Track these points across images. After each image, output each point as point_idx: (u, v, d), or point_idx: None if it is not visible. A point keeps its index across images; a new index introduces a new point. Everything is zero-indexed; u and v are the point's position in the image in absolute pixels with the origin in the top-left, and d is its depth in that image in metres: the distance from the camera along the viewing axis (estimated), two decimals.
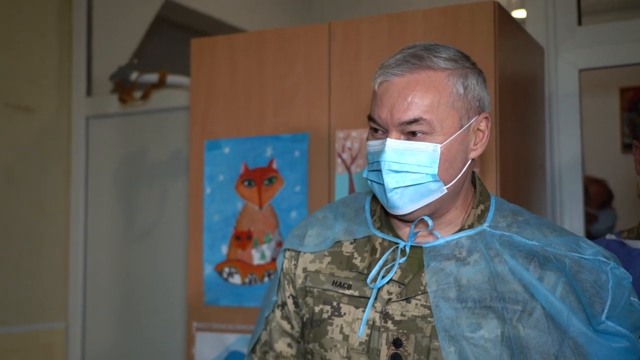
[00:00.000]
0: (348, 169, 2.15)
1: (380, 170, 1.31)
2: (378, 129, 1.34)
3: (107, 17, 3.38)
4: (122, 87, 2.97)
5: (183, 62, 2.61)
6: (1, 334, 2.99)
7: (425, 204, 1.32)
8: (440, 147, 1.29)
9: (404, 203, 1.31)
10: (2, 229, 3.01)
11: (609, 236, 1.81)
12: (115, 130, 3.29)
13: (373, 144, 1.35)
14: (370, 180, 1.36)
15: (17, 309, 3.05)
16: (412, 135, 1.29)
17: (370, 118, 1.35)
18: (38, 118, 3.18)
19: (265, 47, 2.31)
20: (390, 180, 1.30)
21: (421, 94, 1.29)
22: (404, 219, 1.37)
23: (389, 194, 1.31)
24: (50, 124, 3.24)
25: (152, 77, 2.94)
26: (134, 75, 2.95)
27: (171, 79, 2.93)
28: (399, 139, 1.30)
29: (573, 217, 2.48)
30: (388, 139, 1.30)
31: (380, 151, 1.31)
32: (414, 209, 1.32)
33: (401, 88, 1.30)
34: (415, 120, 1.28)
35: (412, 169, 1.29)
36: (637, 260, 1.66)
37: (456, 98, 1.31)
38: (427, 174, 1.29)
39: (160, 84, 2.94)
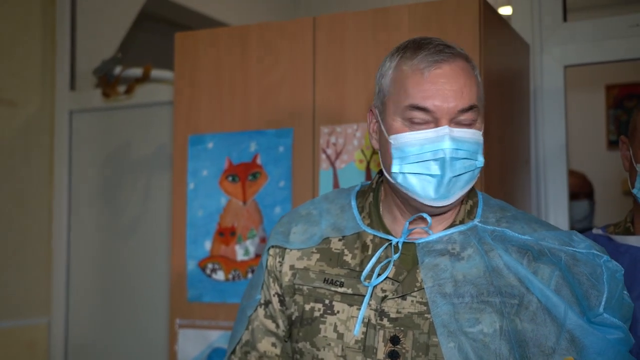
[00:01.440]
0: (332, 164, 2.14)
1: (438, 160, 1.26)
2: (419, 119, 1.28)
3: (91, 11, 3.36)
4: (106, 81, 2.95)
5: (167, 56, 2.58)
6: None
7: (465, 192, 1.32)
8: (482, 135, 1.31)
9: (453, 192, 1.29)
10: None
11: (595, 230, 1.82)
12: (99, 124, 3.26)
13: (419, 134, 1.28)
14: (407, 173, 1.29)
15: None
16: (460, 122, 1.28)
17: (417, 107, 1.28)
18: (21, 112, 3.15)
19: (250, 42, 2.29)
20: (452, 169, 1.27)
21: (469, 82, 1.30)
22: (435, 213, 1.33)
23: (445, 183, 1.27)
24: (33, 118, 3.21)
25: (136, 72, 2.92)
26: (117, 70, 2.93)
27: (155, 73, 2.91)
28: (451, 126, 1.27)
29: (558, 213, 2.49)
30: (447, 126, 1.26)
31: (437, 140, 1.26)
32: (456, 198, 1.31)
33: (449, 76, 1.28)
34: (470, 108, 1.28)
35: (467, 156, 1.29)
36: (624, 256, 1.67)
37: (480, 89, 1.34)
38: (477, 160, 1.30)
39: (144, 78, 2.92)
